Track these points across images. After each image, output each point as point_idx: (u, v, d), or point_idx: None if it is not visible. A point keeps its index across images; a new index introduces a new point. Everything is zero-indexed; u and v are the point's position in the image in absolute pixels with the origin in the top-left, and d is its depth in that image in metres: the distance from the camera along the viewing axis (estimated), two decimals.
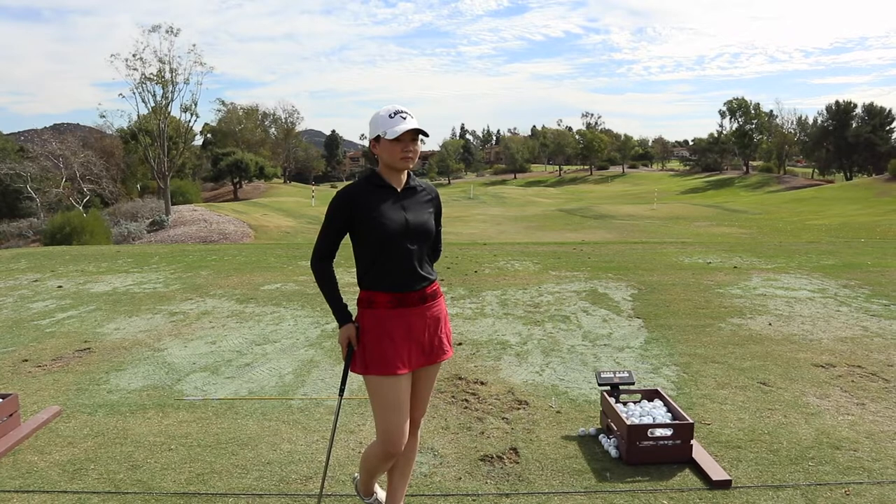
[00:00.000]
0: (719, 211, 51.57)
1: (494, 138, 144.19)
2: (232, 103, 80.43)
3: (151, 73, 37.39)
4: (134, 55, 36.52)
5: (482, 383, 4.33)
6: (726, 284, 7.76)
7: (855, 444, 3.38)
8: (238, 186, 66.35)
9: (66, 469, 3.19)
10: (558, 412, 3.81)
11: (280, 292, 7.54)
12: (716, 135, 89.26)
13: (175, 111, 41.11)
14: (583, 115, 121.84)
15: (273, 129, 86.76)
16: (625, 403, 3.50)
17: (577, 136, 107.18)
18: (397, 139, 2.22)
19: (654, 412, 3.35)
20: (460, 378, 4.42)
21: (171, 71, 37.97)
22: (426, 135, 2.27)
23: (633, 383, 3.58)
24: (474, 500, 2.87)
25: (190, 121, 41.58)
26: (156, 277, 8.71)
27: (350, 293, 2.53)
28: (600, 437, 3.40)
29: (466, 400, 4.03)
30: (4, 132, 62.25)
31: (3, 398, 3.56)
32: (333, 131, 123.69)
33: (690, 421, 3.19)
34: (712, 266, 9.28)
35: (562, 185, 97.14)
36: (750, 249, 11.57)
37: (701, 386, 4.27)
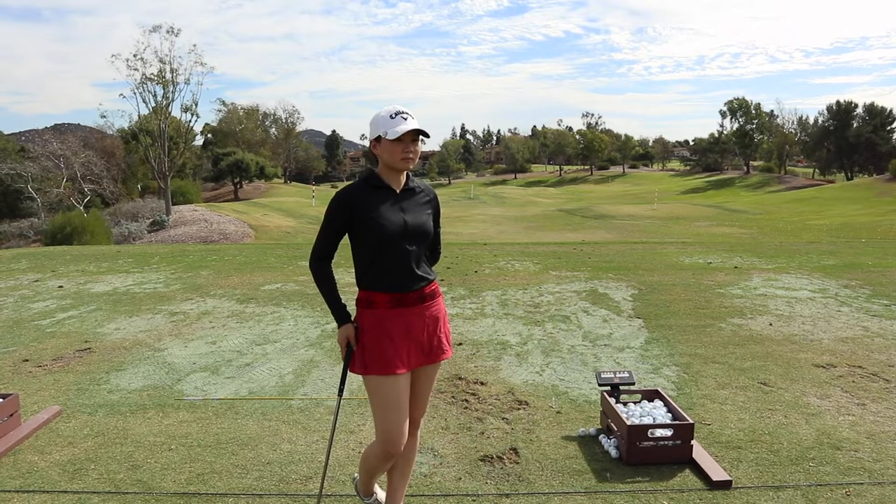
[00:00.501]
0: (720, 211, 51.56)
1: (495, 138, 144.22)
2: (232, 103, 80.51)
3: (152, 74, 37.43)
4: (135, 55, 36.56)
5: (482, 383, 4.32)
6: (727, 284, 7.76)
7: (856, 445, 3.38)
8: (238, 186, 66.38)
9: (66, 469, 3.19)
10: (558, 412, 3.81)
11: (280, 292, 7.53)
12: (716, 135, 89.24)
13: (176, 111, 41.16)
14: (583, 115, 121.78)
15: (273, 129, 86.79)
16: (625, 404, 3.50)
17: (577, 136, 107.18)
18: (398, 140, 2.22)
19: (654, 412, 3.35)
20: (460, 378, 4.42)
21: (172, 71, 38.00)
22: (427, 135, 2.27)
23: (633, 383, 3.57)
24: (474, 501, 2.87)
25: (190, 121, 41.61)
26: (156, 277, 8.71)
27: (350, 293, 2.53)
28: (600, 437, 3.40)
29: (466, 400, 4.03)
30: (5, 132, 62.29)
31: (3, 398, 3.56)
32: (334, 131, 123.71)
33: (691, 421, 3.19)
34: (713, 266, 9.28)
35: (562, 185, 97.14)
36: (750, 249, 11.57)
37: (701, 386, 4.27)
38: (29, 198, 42.08)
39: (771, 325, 5.86)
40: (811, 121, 79.97)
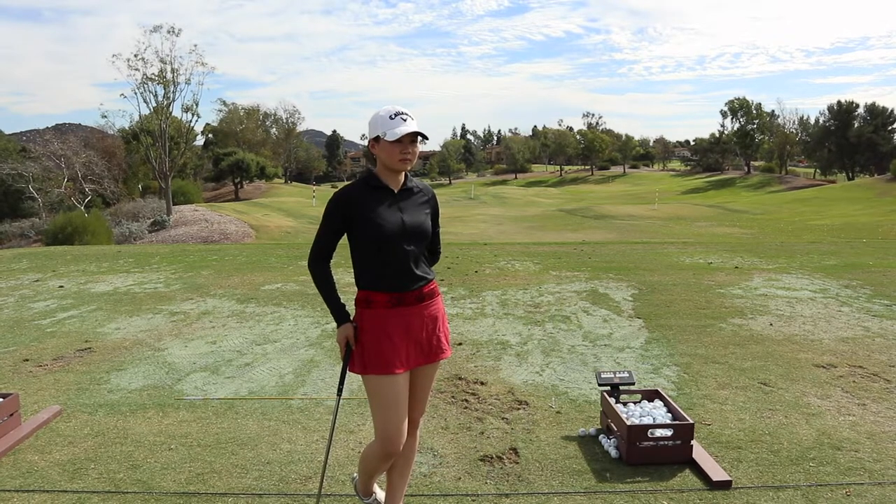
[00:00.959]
0: (720, 211, 51.53)
1: (495, 138, 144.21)
2: (233, 103, 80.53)
3: (153, 74, 37.46)
4: (136, 55, 36.59)
5: (482, 383, 4.32)
6: (727, 285, 7.75)
7: (856, 445, 3.37)
8: (239, 186, 66.40)
9: (66, 468, 3.19)
10: (558, 412, 3.81)
11: (280, 292, 7.54)
12: (717, 135, 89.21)
13: (176, 111, 41.20)
14: (584, 115, 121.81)
15: (274, 129, 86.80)
16: (625, 404, 3.50)
17: (577, 137, 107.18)
18: (397, 141, 2.22)
19: (654, 412, 3.34)
20: (460, 378, 4.42)
21: (173, 71, 38.03)
22: (426, 137, 2.27)
23: (633, 383, 3.57)
24: (474, 501, 2.87)
25: (191, 121, 41.64)
26: (156, 277, 8.71)
27: (351, 293, 2.53)
28: (600, 437, 3.40)
29: (466, 400, 4.02)
30: (6, 133, 62.37)
31: (3, 398, 3.56)
32: (334, 131, 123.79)
33: (691, 421, 3.18)
34: (713, 266, 9.27)
35: (563, 185, 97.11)
36: (751, 250, 11.56)
37: (701, 386, 4.27)
38: (30, 198, 42.12)
39: (771, 325, 5.85)
40: (812, 121, 79.95)
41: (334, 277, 2.43)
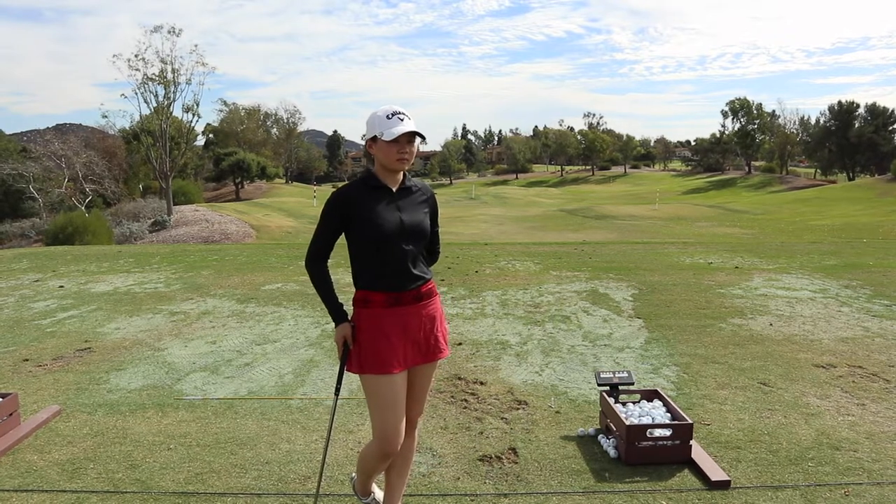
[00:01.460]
0: (721, 211, 51.50)
1: (496, 138, 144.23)
2: (234, 103, 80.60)
3: (153, 74, 37.48)
4: (136, 55, 36.61)
5: (482, 383, 4.32)
6: (727, 285, 7.75)
7: (855, 445, 3.37)
8: (240, 186, 66.43)
9: (65, 468, 3.20)
10: (557, 412, 3.81)
11: (281, 292, 7.54)
12: (718, 135, 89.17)
13: (177, 111, 41.22)
14: (584, 116, 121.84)
15: (275, 129, 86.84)
16: (624, 404, 3.50)
17: (578, 137, 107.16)
18: (394, 141, 2.23)
19: (653, 412, 3.34)
20: (460, 378, 4.42)
21: (174, 71, 38.05)
22: (423, 137, 2.27)
23: (632, 383, 3.57)
24: (472, 501, 2.87)
25: (192, 121, 41.66)
26: (157, 277, 8.72)
27: (351, 293, 2.53)
28: (599, 437, 3.40)
29: (466, 400, 4.02)
30: (6, 133, 62.41)
31: (2, 397, 3.56)
32: (335, 131, 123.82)
33: (689, 421, 3.18)
34: (713, 266, 9.26)
35: (563, 185, 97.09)
36: (751, 250, 11.55)
37: (701, 386, 4.26)
38: (30, 198, 42.15)
39: (771, 325, 5.85)
40: (813, 121, 79.93)
41: (333, 278, 2.43)
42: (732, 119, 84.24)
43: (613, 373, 3.60)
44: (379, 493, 2.71)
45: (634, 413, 3.36)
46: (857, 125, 71.46)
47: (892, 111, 71.31)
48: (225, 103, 79.36)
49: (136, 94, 37.89)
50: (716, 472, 3.00)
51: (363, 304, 2.32)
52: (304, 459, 3.26)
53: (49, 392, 4.28)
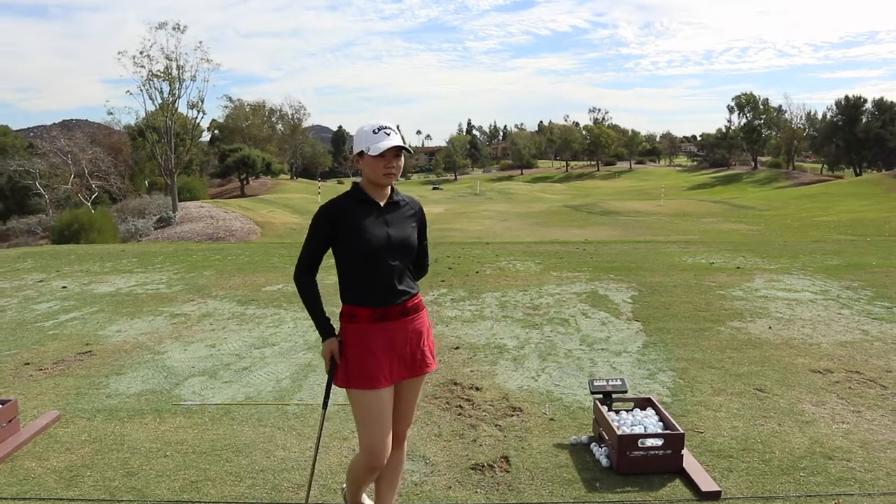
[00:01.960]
0: (726, 207, 51.29)
1: (501, 134, 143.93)
2: (239, 99, 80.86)
3: (158, 70, 37.60)
4: (141, 52, 36.73)
5: (477, 389, 4.34)
6: (728, 286, 7.73)
7: (848, 454, 3.37)
8: (245, 183, 66.58)
9: (62, 476, 3.23)
10: (552, 419, 3.82)
11: (281, 293, 7.57)
12: (724, 130, 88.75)
13: (182, 108, 41.33)
14: (590, 111, 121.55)
15: (280, 125, 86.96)
16: (617, 412, 3.51)
17: (584, 132, 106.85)
18: (380, 155, 2.24)
19: (645, 421, 3.35)
20: (455, 383, 4.44)
21: (178, 68, 38.16)
22: (410, 151, 2.29)
23: (625, 391, 3.58)
24: None
25: (197, 117, 41.79)
26: (159, 278, 8.77)
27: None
28: (592, 445, 3.41)
29: (461, 406, 4.04)
30: (13, 129, 62.70)
31: (2, 404, 3.61)
32: (340, 127, 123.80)
33: (681, 431, 3.19)
34: (715, 266, 9.25)
35: (568, 180, 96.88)
36: (754, 249, 11.52)
37: (696, 392, 4.27)
38: (37, 194, 42.39)
39: (770, 328, 5.84)
40: (819, 116, 79.43)
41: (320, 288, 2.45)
42: (738, 114, 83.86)
43: (607, 380, 3.61)
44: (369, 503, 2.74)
45: (627, 422, 3.37)
46: (864, 120, 70.98)
47: None
48: (230, 99, 79.63)
49: (142, 91, 38.09)
50: (706, 483, 3.01)
51: (349, 319, 2.34)
52: (298, 467, 3.29)
53: (49, 397, 4.32)
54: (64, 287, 8.19)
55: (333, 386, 2.46)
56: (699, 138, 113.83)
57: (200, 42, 49.82)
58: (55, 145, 46.18)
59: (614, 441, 3.15)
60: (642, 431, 3.25)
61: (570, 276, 8.52)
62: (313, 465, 2.61)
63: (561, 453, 3.40)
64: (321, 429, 2.56)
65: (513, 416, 3.90)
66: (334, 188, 63.19)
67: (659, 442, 3.14)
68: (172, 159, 39.80)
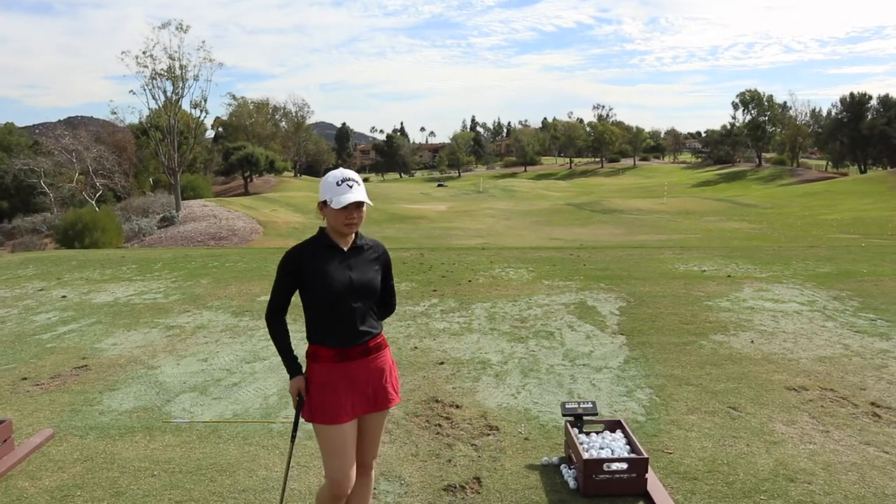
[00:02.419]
0: (730, 205, 51.22)
1: (505, 130, 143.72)
2: (242, 97, 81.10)
3: (161, 70, 37.79)
4: (144, 52, 36.92)
5: (457, 406, 4.47)
6: (717, 296, 7.83)
7: (810, 476, 3.48)
8: (248, 180, 66.82)
9: (54, 496, 3.38)
10: (526, 439, 3.95)
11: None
12: (728, 127, 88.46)
13: (185, 107, 41.53)
14: (594, 107, 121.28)
15: (283, 122, 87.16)
16: (588, 434, 3.63)
17: (588, 129, 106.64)
18: (343, 207, 2.37)
19: (613, 444, 3.48)
20: (437, 401, 4.57)
21: (181, 67, 38.33)
22: (370, 204, 2.43)
23: (596, 414, 3.70)
24: None
25: (200, 116, 41.99)
26: (157, 287, 8.93)
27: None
28: (562, 466, 3.54)
29: (439, 425, 4.17)
30: (19, 125, 63.04)
31: None
32: (344, 124, 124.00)
33: (645, 456, 3.31)
34: (706, 275, 9.34)
35: (572, 177, 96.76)
36: (748, 255, 11.59)
37: (671, 411, 4.38)
38: (42, 193, 42.68)
39: (752, 342, 5.94)
40: (824, 113, 79.09)
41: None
42: (743, 111, 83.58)
43: (578, 403, 3.73)
44: None
45: (595, 444, 3.49)
46: (869, 117, 70.64)
47: None
48: (234, 97, 79.90)
49: (145, 90, 38.27)
50: None
51: (314, 359, 2.49)
52: (279, 487, 3.42)
53: (44, 413, 4.48)
54: (64, 296, 8.35)
55: (302, 420, 2.60)
56: (704, 135, 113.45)
57: (203, 41, 50.04)
58: (60, 143, 46.50)
59: (580, 464, 3.27)
60: (609, 454, 3.38)
61: (561, 284, 8.64)
62: (282, 494, 2.75)
63: (532, 474, 3.53)
64: (289, 462, 2.71)
65: (489, 435, 4.03)
66: None
67: (623, 466, 3.27)
68: (175, 158, 40.03)
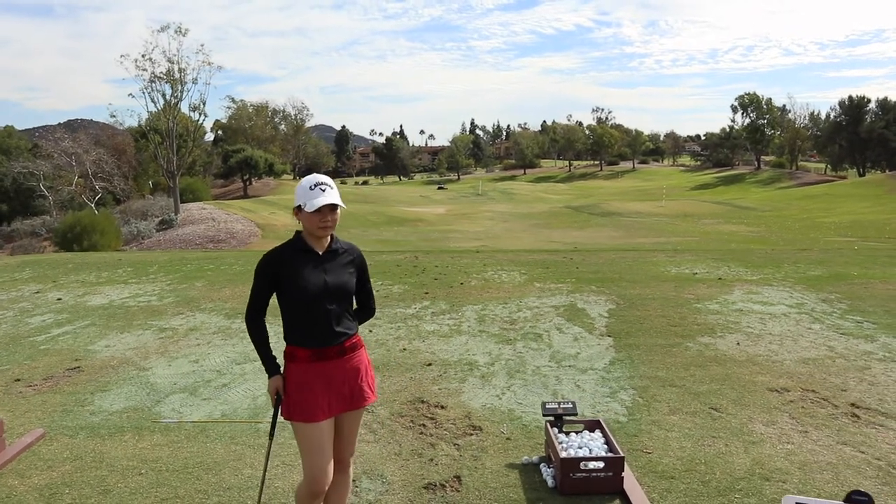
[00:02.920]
0: (728, 208, 51.29)
1: (504, 133, 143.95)
2: (242, 100, 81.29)
3: (161, 73, 37.91)
4: (143, 55, 37.05)
5: (442, 407, 4.54)
6: (705, 299, 7.90)
7: (786, 475, 3.55)
8: (248, 183, 66.94)
9: (42, 493, 3.45)
10: (508, 439, 4.01)
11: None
12: (728, 130, 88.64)
13: (184, 110, 41.65)
14: (593, 110, 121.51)
15: (283, 125, 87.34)
16: (567, 433, 3.70)
17: (587, 132, 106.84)
18: (317, 210, 2.45)
19: (591, 444, 3.54)
20: (422, 401, 4.63)
21: (180, 70, 38.45)
22: (344, 206, 2.51)
23: (575, 414, 3.77)
24: None
25: (199, 120, 42.11)
26: (151, 289, 9.00)
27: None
28: (541, 465, 3.60)
29: (424, 425, 4.24)
30: (19, 129, 63.19)
31: None
32: (343, 127, 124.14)
33: (621, 455, 3.38)
34: (697, 277, 9.40)
35: (571, 180, 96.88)
36: (740, 258, 11.66)
37: (653, 412, 4.45)
38: (41, 196, 42.76)
39: (738, 344, 6.01)
40: (823, 116, 79.32)
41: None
42: (742, 114, 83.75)
43: (559, 403, 3.80)
44: None
45: (574, 444, 3.56)
46: (867, 120, 70.80)
47: None
48: (233, 100, 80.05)
49: (144, 93, 38.39)
50: None
51: (291, 359, 2.56)
52: (263, 487, 3.49)
53: (36, 414, 4.54)
54: (59, 299, 8.42)
55: (280, 417, 2.67)
56: (703, 138, 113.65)
57: (202, 45, 50.21)
58: (59, 146, 46.60)
59: (558, 463, 3.34)
60: (587, 454, 3.44)
61: (552, 287, 8.70)
62: (260, 492, 2.82)
63: (511, 473, 3.59)
64: (267, 459, 2.79)
65: (472, 435, 4.09)
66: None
67: (600, 465, 3.33)
68: (174, 161, 40.13)
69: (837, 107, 74.16)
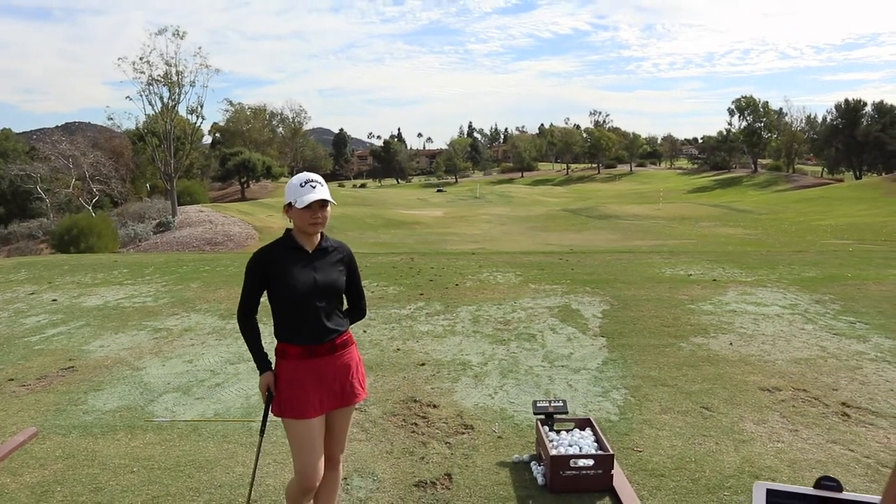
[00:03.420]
0: (725, 211, 51.42)
1: (502, 136, 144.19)
2: (240, 103, 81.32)
3: (158, 75, 37.94)
4: (141, 58, 37.08)
5: (434, 406, 4.55)
6: (700, 300, 7.92)
7: (775, 474, 3.57)
8: (245, 186, 66.92)
9: (34, 491, 3.45)
10: (499, 437, 4.03)
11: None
12: (724, 133, 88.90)
13: (182, 113, 41.68)
14: (591, 114, 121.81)
15: (280, 128, 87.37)
16: (558, 432, 3.71)
17: (584, 135, 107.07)
18: (307, 207, 2.46)
19: (581, 442, 3.56)
20: (415, 400, 4.65)
21: (178, 73, 38.48)
22: (334, 203, 2.52)
23: (566, 412, 3.79)
24: None
25: (196, 122, 42.13)
26: (147, 290, 9.00)
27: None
28: (532, 463, 3.62)
29: (416, 423, 4.25)
30: (16, 131, 63.13)
31: None
32: (341, 130, 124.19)
33: (611, 452, 3.40)
34: (692, 279, 9.43)
35: (569, 183, 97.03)
36: (735, 260, 11.69)
37: (644, 411, 4.47)
38: (38, 198, 42.71)
39: (731, 344, 6.03)
40: (819, 119, 79.62)
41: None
42: (739, 117, 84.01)
43: (549, 402, 3.82)
44: None
45: (564, 442, 3.57)
46: (864, 123, 71.06)
47: None
48: (231, 103, 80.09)
49: (141, 96, 38.41)
50: (633, 502, 3.21)
51: (282, 356, 2.58)
52: (254, 483, 3.50)
53: (29, 413, 4.55)
54: (54, 300, 8.42)
55: (271, 415, 2.69)
56: (700, 141, 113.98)
57: (200, 48, 50.20)
58: (57, 149, 46.57)
59: (548, 461, 3.36)
60: (577, 451, 3.46)
61: (547, 288, 8.73)
62: (251, 489, 2.84)
63: (502, 471, 3.61)
64: (258, 456, 2.80)
65: (464, 433, 4.10)
66: (334, 191, 63.36)
67: (590, 462, 3.35)
68: (172, 164, 40.12)
69: (834, 110, 74.51)
